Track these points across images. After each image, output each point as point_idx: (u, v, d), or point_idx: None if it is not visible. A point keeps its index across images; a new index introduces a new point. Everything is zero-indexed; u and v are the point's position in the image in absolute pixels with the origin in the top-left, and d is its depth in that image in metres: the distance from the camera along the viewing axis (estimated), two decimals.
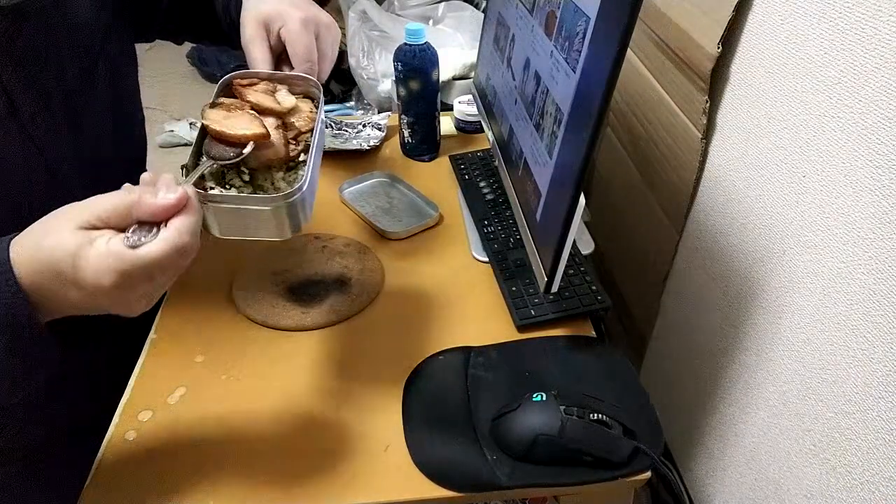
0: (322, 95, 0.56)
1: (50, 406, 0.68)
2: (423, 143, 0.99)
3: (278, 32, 0.57)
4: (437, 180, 0.95)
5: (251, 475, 0.56)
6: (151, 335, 0.70)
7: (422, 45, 0.90)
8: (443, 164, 0.99)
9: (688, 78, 0.80)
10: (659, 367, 1.01)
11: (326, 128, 1.06)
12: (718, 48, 0.70)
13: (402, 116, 0.97)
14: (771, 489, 0.70)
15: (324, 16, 0.60)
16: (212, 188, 0.48)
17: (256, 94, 0.52)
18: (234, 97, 0.53)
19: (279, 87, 0.55)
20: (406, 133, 0.98)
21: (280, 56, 0.59)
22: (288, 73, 0.57)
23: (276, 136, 0.49)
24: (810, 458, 0.62)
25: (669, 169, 0.88)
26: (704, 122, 0.76)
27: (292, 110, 0.53)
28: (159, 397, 0.62)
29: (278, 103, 0.52)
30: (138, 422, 0.60)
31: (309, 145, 0.51)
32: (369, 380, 0.64)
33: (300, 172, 0.50)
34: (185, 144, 2.49)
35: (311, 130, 0.52)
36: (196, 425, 0.60)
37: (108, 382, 0.65)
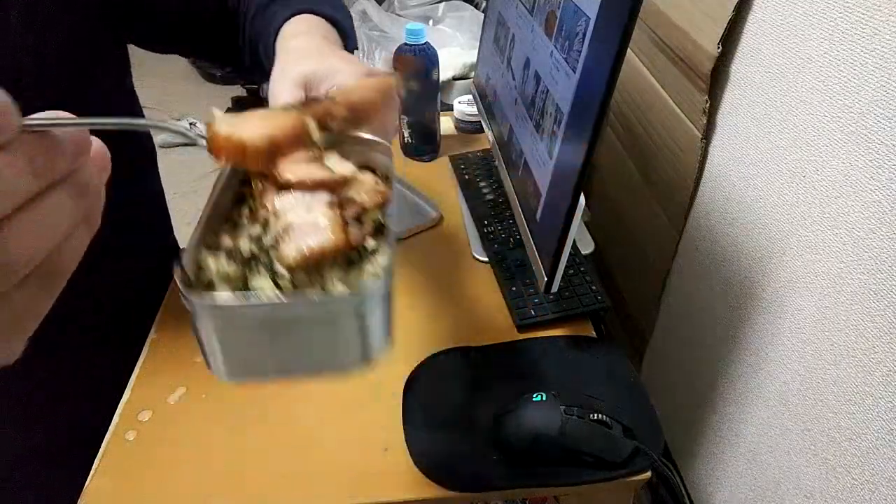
0: (393, 165, 0.38)
1: (50, 406, 0.68)
2: (423, 143, 0.99)
3: (327, 93, 0.42)
4: (437, 180, 0.95)
5: (251, 475, 0.55)
6: (151, 335, 0.70)
7: (422, 45, 0.90)
8: (443, 164, 0.99)
9: (688, 78, 0.80)
10: (659, 366, 1.01)
11: None
12: (718, 48, 0.70)
13: (402, 116, 0.97)
14: (771, 489, 0.70)
15: (378, 68, 0.48)
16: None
17: (295, 167, 0.33)
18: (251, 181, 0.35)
19: (327, 154, 0.35)
20: (406, 133, 0.98)
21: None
22: (357, 134, 0.39)
23: (332, 221, 0.31)
24: (810, 458, 0.62)
25: (669, 169, 0.88)
26: (704, 122, 0.76)
27: (350, 181, 0.34)
28: (159, 397, 0.62)
29: (331, 171, 0.34)
30: (138, 422, 0.60)
31: (381, 226, 0.34)
32: (369, 380, 0.64)
33: (368, 268, 0.31)
34: (186, 144, 2.50)
35: (382, 206, 0.34)
36: (196, 425, 0.60)
37: (108, 382, 0.65)
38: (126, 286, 0.73)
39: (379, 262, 0.31)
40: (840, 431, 0.58)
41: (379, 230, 0.33)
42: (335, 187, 0.33)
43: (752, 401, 0.73)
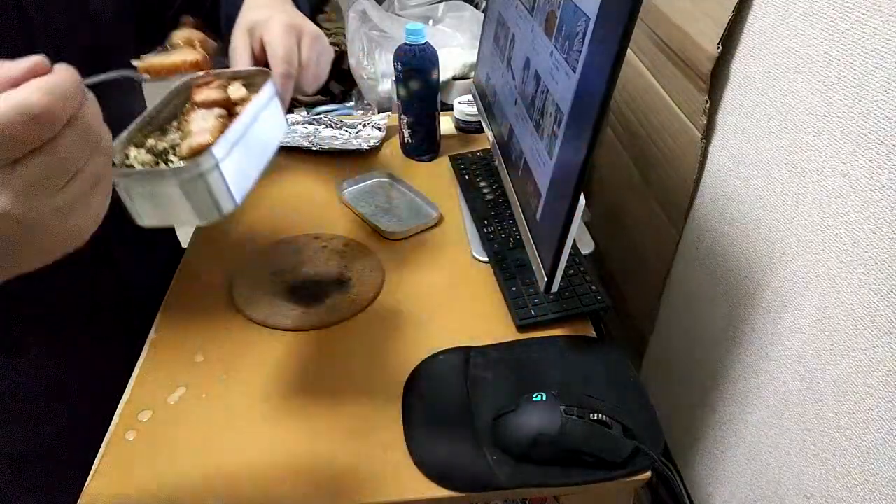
0: (271, 83, 0.51)
1: (50, 406, 0.68)
2: (423, 143, 0.99)
3: (262, 40, 0.55)
4: (437, 180, 0.95)
5: (251, 475, 0.55)
6: (151, 335, 0.70)
7: (422, 45, 0.90)
8: (443, 164, 0.99)
9: (688, 78, 0.80)
10: (659, 367, 1.01)
11: (328, 128, 1.06)
12: (718, 48, 0.70)
13: (402, 116, 0.97)
14: (771, 489, 0.70)
15: (311, 26, 0.58)
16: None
17: (205, 91, 0.49)
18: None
19: (234, 82, 0.51)
20: (406, 133, 0.98)
21: (266, 66, 0.56)
22: (241, 68, 0.54)
23: (216, 124, 0.45)
24: (810, 458, 0.62)
25: (669, 169, 0.88)
26: (704, 122, 0.76)
27: (243, 100, 0.49)
28: (159, 397, 0.62)
29: (224, 94, 0.49)
30: (138, 422, 0.60)
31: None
32: (369, 380, 0.64)
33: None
34: None
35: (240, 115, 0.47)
36: (196, 425, 0.60)
37: (108, 382, 0.65)
38: (127, 287, 0.73)
39: (224, 139, 0.43)
40: (840, 431, 0.58)
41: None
42: (225, 105, 0.48)
43: (752, 401, 0.73)
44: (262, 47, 0.55)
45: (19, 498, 0.69)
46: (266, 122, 0.49)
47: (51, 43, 0.55)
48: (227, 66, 0.55)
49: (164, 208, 0.42)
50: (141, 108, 0.73)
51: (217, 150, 0.42)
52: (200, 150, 0.42)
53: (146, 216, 0.43)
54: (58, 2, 0.56)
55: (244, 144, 0.45)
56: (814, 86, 0.58)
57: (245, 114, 0.46)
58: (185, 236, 0.89)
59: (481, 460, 0.56)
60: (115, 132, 0.38)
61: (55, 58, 0.31)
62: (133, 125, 0.46)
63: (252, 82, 0.52)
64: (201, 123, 0.45)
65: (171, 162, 0.44)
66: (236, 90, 0.50)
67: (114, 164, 0.41)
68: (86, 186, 0.32)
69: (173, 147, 0.45)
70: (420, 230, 0.84)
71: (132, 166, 0.43)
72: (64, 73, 0.30)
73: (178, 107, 0.50)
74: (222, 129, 0.45)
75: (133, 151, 0.44)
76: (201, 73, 0.52)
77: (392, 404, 0.61)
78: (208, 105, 0.48)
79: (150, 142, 0.45)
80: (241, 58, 0.55)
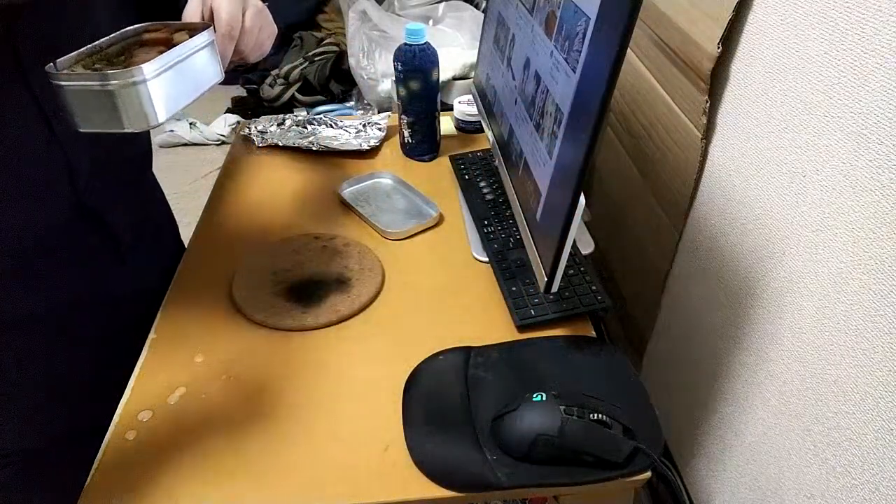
0: (208, 31, 0.59)
1: (50, 406, 0.68)
2: (423, 143, 0.99)
3: (211, 6, 0.62)
4: (437, 180, 0.95)
5: (251, 475, 0.55)
6: (151, 335, 0.70)
7: (422, 45, 0.90)
8: (443, 164, 0.99)
9: (688, 78, 0.80)
10: (659, 367, 1.01)
11: (328, 128, 1.06)
12: (718, 48, 0.70)
13: (402, 116, 0.97)
14: (771, 489, 0.70)
15: (256, 1, 0.65)
16: None
17: (154, 35, 0.59)
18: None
19: (180, 32, 0.60)
20: (406, 133, 0.98)
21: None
22: (187, 22, 0.61)
23: (155, 56, 0.53)
24: (810, 458, 0.62)
25: (669, 169, 0.88)
26: (704, 122, 0.76)
27: (174, 41, 0.58)
28: (159, 397, 0.62)
29: (169, 36, 0.59)
30: (138, 422, 0.60)
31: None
32: (369, 380, 0.64)
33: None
34: (185, 144, 2.50)
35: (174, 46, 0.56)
36: (196, 425, 0.60)
37: (108, 382, 0.65)
38: (129, 288, 0.73)
39: (149, 67, 0.50)
40: (840, 431, 0.58)
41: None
42: (166, 43, 0.57)
43: (751, 401, 0.73)
44: (211, 14, 0.62)
45: (20, 498, 0.69)
46: (199, 63, 0.57)
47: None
48: None
49: (99, 112, 0.50)
50: None
51: (148, 67, 0.50)
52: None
53: (84, 121, 0.50)
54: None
55: (175, 72, 0.53)
56: (814, 86, 0.58)
57: (178, 48, 0.54)
58: (185, 236, 0.89)
59: (481, 460, 0.56)
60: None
61: None
62: (84, 49, 0.53)
63: (197, 34, 0.60)
64: (143, 56, 0.54)
65: None
66: (180, 37, 0.58)
67: (56, 71, 0.49)
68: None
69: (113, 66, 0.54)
70: (420, 230, 0.84)
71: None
72: None
73: (127, 47, 0.58)
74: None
75: (79, 69, 0.52)
76: (153, 23, 0.61)
77: (392, 404, 0.61)
78: (153, 42, 0.58)
79: (97, 66, 0.53)
80: (191, 19, 0.62)
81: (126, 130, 0.50)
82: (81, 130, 0.50)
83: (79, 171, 0.62)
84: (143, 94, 0.50)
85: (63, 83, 0.48)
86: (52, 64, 0.49)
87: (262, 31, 0.66)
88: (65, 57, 0.51)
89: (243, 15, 0.63)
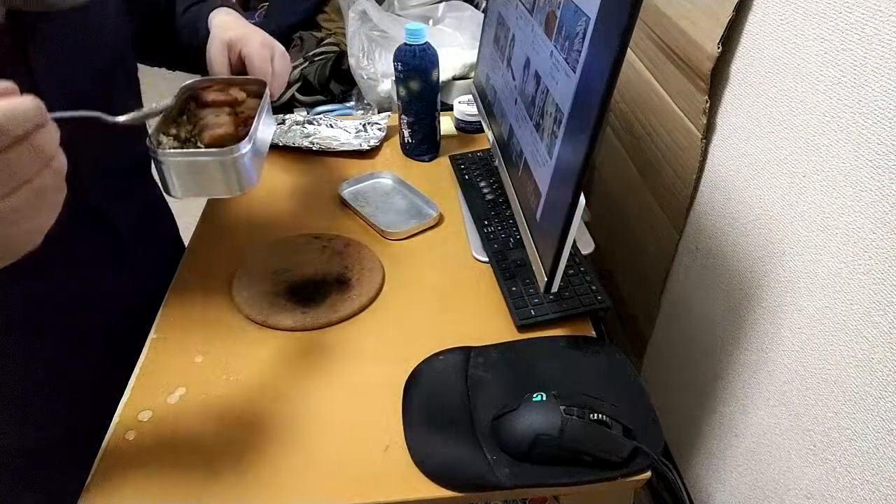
0: (267, 92, 0.66)
1: (50, 406, 0.68)
2: (423, 143, 0.99)
3: (240, 52, 0.68)
4: (437, 180, 0.95)
5: (251, 475, 0.56)
6: (151, 335, 0.70)
7: (422, 45, 0.90)
8: (443, 164, 0.99)
9: (688, 78, 0.80)
10: (659, 367, 1.01)
11: (328, 128, 1.06)
12: (718, 48, 0.70)
13: (402, 116, 0.97)
14: (771, 489, 0.70)
15: (280, 46, 0.71)
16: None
17: (213, 94, 0.63)
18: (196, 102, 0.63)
19: (233, 87, 0.66)
20: (406, 133, 0.98)
21: (239, 74, 0.69)
22: (238, 76, 0.68)
23: (228, 119, 0.60)
24: (810, 458, 0.62)
25: (669, 169, 0.88)
26: (704, 122, 0.76)
27: (243, 102, 0.64)
28: (159, 397, 0.62)
29: (231, 95, 0.64)
30: (138, 422, 0.60)
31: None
32: (369, 380, 0.64)
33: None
34: None
35: (252, 116, 0.62)
36: (196, 425, 0.60)
37: (108, 382, 0.65)
38: (129, 288, 0.73)
39: (251, 131, 0.57)
40: (840, 431, 0.58)
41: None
42: (232, 104, 0.63)
43: (751, 401, 0.73)
44: (239, 59, 0.68)
45: (19, 498, 0.69)
46: (266, 121, 0.64)
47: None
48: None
49: (200, 183, 0.56)
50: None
51: (248, 140, 0.56)
52: (221, 138, 0.57)
53: (182, 189, 0.56)
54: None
55: (258, 137, 0.59)
56: (814, 86, 0.58)
57: (260, 113, 0.60)
58: (185, 236, 0.89)
59: (481, 460, 0.56)
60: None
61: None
62: (145, 111, 0.55)
63: (245, 88, 0.66)
64: (214, 119, 0.59)
65: (199, 147, 0.58)
66: (236, 93, 0.65)
67: (156, 147, 0.55)
68: (30, 196, 0.35)
69: (192, 136, 0.59)
70: (420, 230, 0.84)
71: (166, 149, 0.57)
72: (26, 99, 0.34)
73: (182, 105, 0.63)
74: (234, 122, 0.60)
75: (163, 138, 0.58)
76: (203, 78, 0.65)
77: (392, 404, 0.61)
78: (219, 104, 0.62)
79: (173, 131, 0.59)
80: (220, 67, 0.68)
81: (226, 196, 0.61)
82: (178, 197, 0.57)
83: (80, 172, 0.62)
84: (243, 163, 0.56)
85: (168, 159, 0.54)
86: (149, 139, 0.55)
87: (286, 73, 0.72)
88: (152, 129, 0.57)
89: (272, 60, 0.68)
